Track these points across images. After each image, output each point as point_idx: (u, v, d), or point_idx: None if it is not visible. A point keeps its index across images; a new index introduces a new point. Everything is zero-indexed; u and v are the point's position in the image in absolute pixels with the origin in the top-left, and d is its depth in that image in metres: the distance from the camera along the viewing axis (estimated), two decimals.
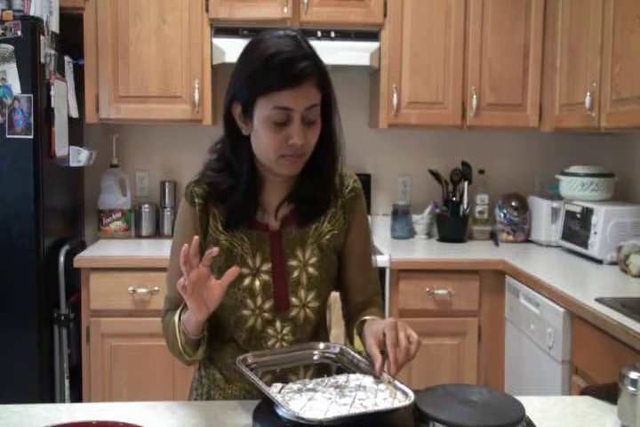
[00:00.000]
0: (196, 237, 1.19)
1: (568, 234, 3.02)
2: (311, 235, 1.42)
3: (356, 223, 1.47)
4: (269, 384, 1.22)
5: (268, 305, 1.40)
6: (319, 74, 1.29)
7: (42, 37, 2.67)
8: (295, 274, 1.41)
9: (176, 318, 1.33)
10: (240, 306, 1.40)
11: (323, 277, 1.43)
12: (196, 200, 1.39)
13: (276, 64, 1.25)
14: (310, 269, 1.41)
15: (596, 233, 2.77)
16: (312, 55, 1.30)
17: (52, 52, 2.78)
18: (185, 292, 1.20)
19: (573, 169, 3.10)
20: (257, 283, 1.39)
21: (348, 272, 1.49)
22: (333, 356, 1.36)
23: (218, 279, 1.24)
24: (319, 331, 1.51)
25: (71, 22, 2.99)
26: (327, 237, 1.43)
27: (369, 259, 1.52)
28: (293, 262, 1.41)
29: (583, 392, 1.44)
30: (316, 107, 1.30)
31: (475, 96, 3.16)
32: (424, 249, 3.30)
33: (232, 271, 1.23)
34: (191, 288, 1.19)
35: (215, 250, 1.20)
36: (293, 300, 1.41)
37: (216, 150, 1.41)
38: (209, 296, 1.22)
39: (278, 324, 1.42)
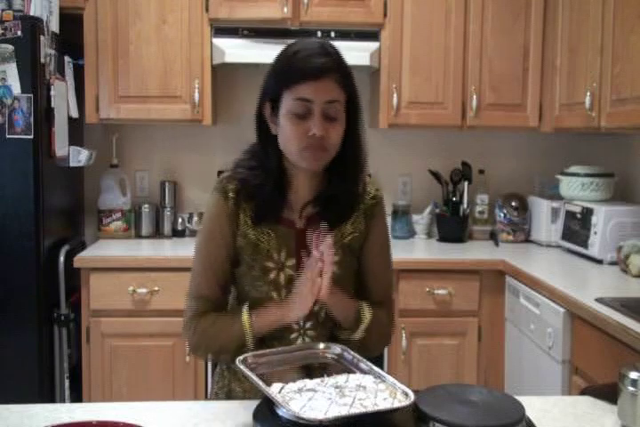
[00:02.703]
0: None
1: (568, 234, 3.02)
2: (334, 235, 1.45)
3: (375, 228, 1.53)
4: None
5: None
6: (340, 72, 1.37)
7: (42, 37, 2.67)
8: None
9: (244, 317, 1.39)
10: (266, 300, 1.44)
11: (344, 275, 1.47)
12: (230, 195, 1.44)
13: (298, 59, 1.36)
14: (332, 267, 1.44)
15: (596, 233, 2.77)
16: (334, 54, 1.38)
17: (52, 52, 2.78)
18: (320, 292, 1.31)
19: (573, 169, 3.10)
20: (282, 277, 1.44)
21: (361, 274, 1.53)
22: (334, 356, 1.36)
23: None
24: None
25: (71, 22, 2.98)
26: (349, 238, 1.48)
27: (385, 264, 1.58)
28: None
29: (583, 392, 1.44)
30: (337, 103, 1.37)
31: (475, 96, 3.15)
32: (424, 249, 3.29)
33: None
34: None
35: None
36: None
37: (248, 151, 1.48)
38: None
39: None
